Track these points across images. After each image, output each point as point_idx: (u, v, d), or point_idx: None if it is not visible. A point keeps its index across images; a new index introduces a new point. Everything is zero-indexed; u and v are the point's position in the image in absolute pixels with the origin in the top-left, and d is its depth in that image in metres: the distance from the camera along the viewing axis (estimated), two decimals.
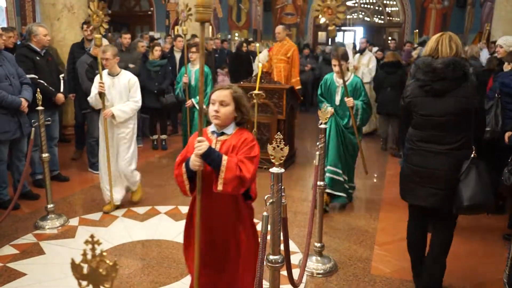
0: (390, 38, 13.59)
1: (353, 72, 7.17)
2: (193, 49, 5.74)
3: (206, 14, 1.88)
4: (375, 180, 5.64)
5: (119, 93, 4.32)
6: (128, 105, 4.32)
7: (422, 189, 2.74)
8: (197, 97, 5.28)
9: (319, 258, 3.35)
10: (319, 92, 4.60)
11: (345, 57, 4.26)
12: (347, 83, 4.25)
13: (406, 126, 2.89)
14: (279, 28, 7.53)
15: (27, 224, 4.03)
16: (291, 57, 7.42)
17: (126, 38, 6.88)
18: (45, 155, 4.04)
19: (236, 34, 13.96)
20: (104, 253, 0.91)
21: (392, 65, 6.66)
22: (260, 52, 7.96)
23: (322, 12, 4.07)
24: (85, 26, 5.98)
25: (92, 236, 0.92)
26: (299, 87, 7.37)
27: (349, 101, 4.22)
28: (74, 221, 4.13)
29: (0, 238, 3.72)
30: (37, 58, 4.79)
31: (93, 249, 0.91)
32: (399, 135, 3.00)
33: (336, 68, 4.26)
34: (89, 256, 0.91)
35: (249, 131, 2.32)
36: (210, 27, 12.92)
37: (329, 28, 4.07)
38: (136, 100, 4.40)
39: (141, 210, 4.43)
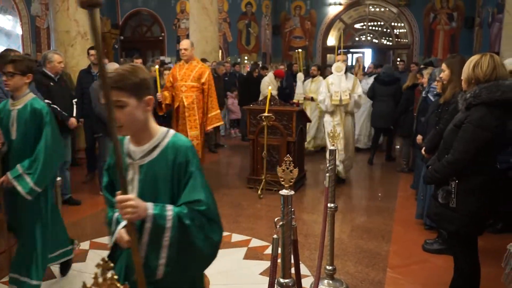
0: (398, 59, 13.66)
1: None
2: (9, 68, 2.91)
3: None
4: (386, 202, 5.58)
5: None
6: None
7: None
8: (18, 168, 2.85)
9: (330, 281, 3.31)
10: (105, 180, 1.90)
11: (134, 88, 1.67)
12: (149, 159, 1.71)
13: (475, 158, 2.61)
14: (186, 43, 5.50)
15: None
16: (206, 83, 5.46)
17: (137, 63, 7.02)
18: (57, 179, 4.08)
19: (246, 58, 14.15)
20: (115, 277, 0.92)
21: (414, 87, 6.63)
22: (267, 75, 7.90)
23: None
24: (91, 51, 6.15)
25: (103, 260, 0.93)
26: (221, 123, 5.99)
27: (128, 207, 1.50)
28: (85, 245, 4.14)
29: None
30: (51, 83, 4.91)
31: (104, 273, 0.92)
32: (458, 169, 2.62)
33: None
34: (100, 280, 0.92)
35: None
36: (220, 51, 13.11)
37: None
38: None
39: None
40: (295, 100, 8.33)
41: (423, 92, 4.97)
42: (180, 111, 5.49)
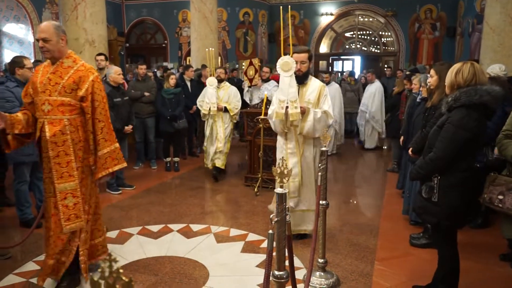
0: (386, 66, 13.69)
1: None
2: None
3: None
4: (374, 199, 5.59)
5: None
6: None
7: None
8: None
9: (322, 273, 3.30)
10: None
11: None
12: None
13: (455, 156, 2.62)
14: (46, 28, 2.89)
15: None
16: (88, 97, 2.94)
17: (142, 68, 7.00)
18: None
19: (243, 63, 14.14)
20: (121, 270, 0.92)
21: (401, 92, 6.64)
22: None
23: None
24: (97, 57, 6.12)
25: (109, 254, 0.93)
26: (123, 165, 3.12)
27: None
28: None
29: (24, 255, 3.72)
30: None
31: (110, 267, 0.92)
32: (440, 166, 2.66)
33: None
34: (106, 273, 0.91)
35: None
36: (219, 58, 13.10)
37: None
38: None
39: (155, 228, 4.42)
40: (205, 110, 6.27)
41: (418, 98, 4.93)
42: (42, 148, 2.96)
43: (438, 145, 2.65)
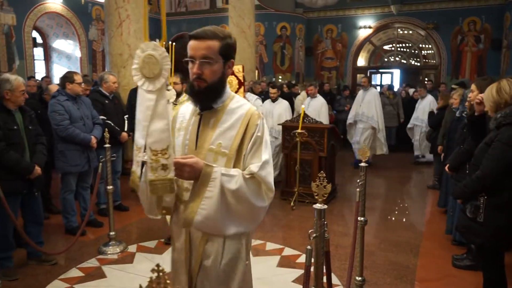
0: (426, 79, 13.36)
1: None
2: None
3: None
4: (415, 217, 5.43)
5: None
6: None
7: None
8: None
9: None
10: None
11: None
12: None
13: (503, 174, 2.57)
14: None
15: (92, 249, 4.19)
16: None
17: (177, 79, 7.16)
18: (110, 187, 4.23)
19: (280, 77, 14.22)
20: (168, 281, 0.95)
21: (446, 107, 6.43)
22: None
23: None
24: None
25: (158, 265, 0.97)
26: None
27: None
28: (132, 248, 4.24)
29: (69, 261, 3.88)
30: (106, 101, 5.11)
31: (158, 277, 0.96)
32: (487, 185, 2.60)
33: None
34: (154, 284, 0.95)
35: None
36: (256, 71, 13.25)
37: None
38: None
39: None
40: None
41: (457, 112, 4.80)
42: None
43: (486, 163, 2.57)
